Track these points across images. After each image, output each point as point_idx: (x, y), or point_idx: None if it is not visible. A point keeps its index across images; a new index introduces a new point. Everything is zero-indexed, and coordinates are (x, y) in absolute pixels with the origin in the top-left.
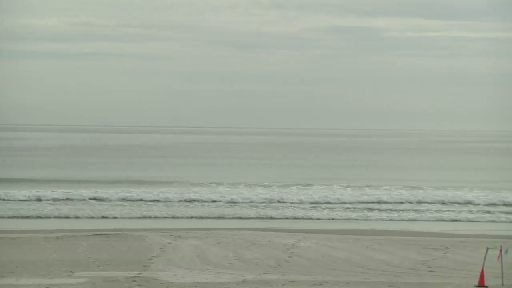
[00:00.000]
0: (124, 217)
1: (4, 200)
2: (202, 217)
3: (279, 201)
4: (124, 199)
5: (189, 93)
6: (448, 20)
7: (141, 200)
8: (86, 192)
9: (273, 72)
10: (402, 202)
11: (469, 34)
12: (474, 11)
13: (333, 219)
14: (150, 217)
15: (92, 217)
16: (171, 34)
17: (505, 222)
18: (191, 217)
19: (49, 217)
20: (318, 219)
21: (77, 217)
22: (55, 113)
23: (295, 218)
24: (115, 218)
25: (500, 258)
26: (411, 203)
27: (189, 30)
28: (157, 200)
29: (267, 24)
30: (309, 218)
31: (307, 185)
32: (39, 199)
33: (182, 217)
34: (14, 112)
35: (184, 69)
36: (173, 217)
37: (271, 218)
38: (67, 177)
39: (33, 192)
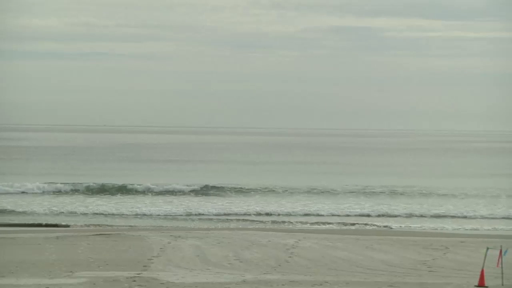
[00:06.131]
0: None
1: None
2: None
3: (267, 214)
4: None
5: (189, 93)
6: (448, 20)
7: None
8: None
9: (273, 72)
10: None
11: (469, 34)
12: (474, 11)
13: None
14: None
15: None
16: (171, 34)
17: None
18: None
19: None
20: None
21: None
22: (55, 113)
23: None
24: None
25: (499, 264)
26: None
27: (188, 30)
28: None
29: (266, 24)
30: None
31: (309, 190)
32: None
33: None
34: (14, 112)
35: (184, 69)
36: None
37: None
38: (66, 179)
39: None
